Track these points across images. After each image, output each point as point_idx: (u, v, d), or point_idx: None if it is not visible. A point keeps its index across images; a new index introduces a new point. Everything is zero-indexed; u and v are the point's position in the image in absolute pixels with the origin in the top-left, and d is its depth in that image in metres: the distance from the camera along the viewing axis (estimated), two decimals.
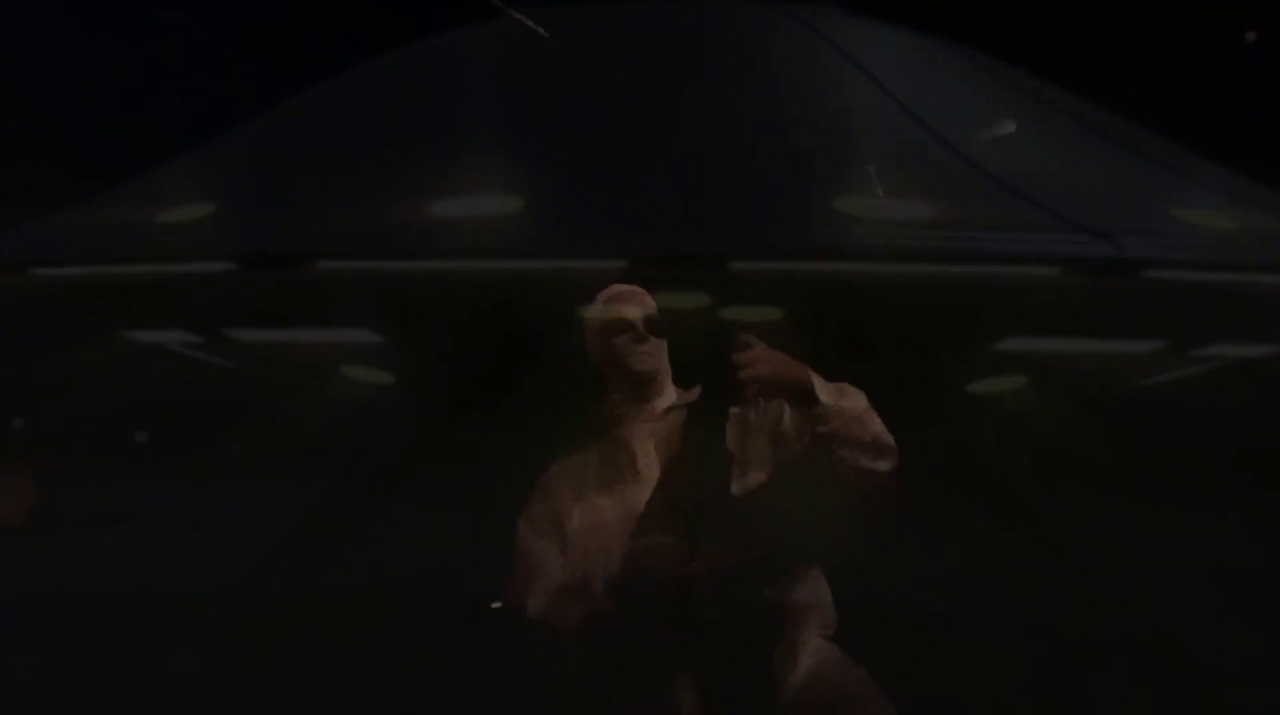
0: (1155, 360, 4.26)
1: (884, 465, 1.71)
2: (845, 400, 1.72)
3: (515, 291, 3.44)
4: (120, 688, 4.39)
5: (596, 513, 1.85)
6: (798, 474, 1.75)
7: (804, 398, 1.70)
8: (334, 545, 5.21)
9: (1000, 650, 4.85)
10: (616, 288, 2.01)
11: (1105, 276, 3.23)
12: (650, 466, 1.86)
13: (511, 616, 1.84)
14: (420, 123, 4.05)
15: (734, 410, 1.81)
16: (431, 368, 4.24)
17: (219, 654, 4.68)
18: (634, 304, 1.96)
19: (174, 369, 5.19)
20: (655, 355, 1.94)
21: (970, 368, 4.07)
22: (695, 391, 1.90)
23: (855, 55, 4.41)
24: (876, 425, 1.72)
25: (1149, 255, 3.23)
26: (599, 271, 3.24)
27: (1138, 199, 3.85)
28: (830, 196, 3.29)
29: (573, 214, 3.35)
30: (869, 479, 1.70)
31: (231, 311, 4.09)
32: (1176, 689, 4.39)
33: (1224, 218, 3.67)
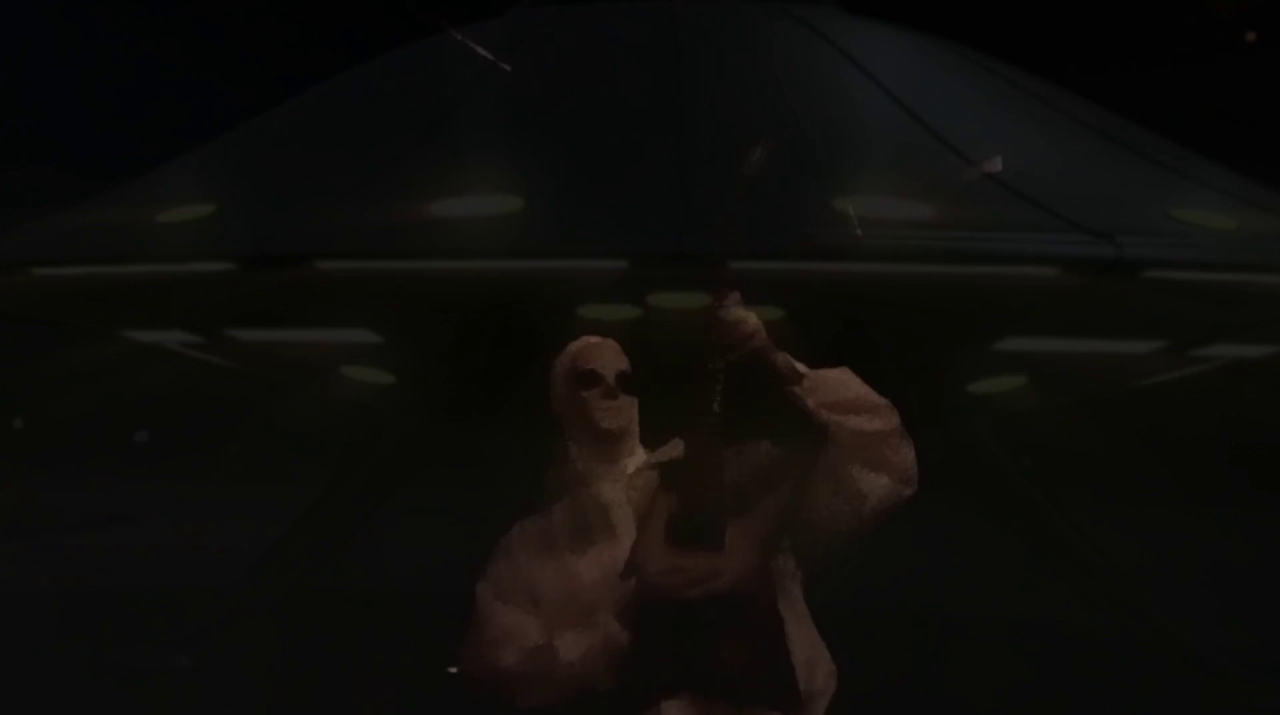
0: (1155, 360, 4.25)
1: (878, 423, 1.67)
2: (828, 371, 1.70)
3: (515, 291, 3.43)
4: (120, 688, 4.39)
5: (570, 575, 1.76)
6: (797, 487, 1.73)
7: (788, 372, 1.68)
8: (334, 545, 5.21)
9: (1000, 649, 4.86)
10: (587, 339, 1.90)
11: (1105, 276, 3.23)
12: (627, 525, 1.76)
13: (475, 686, 1.74)
14: (420, 123, 4.05)
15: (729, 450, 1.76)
16: (431, 368, 4.23)
17: (219, 654, 4.68)
18: (605, 357, 1.85)
19: (174, 369, 5.19)
20: (624, 412, 1.83)
21: (970, 368, 4.07)
22: (675, 447, 1.80)
23: (855, 55, 4.40)
24: (858, 386, 1.69)
25: (1149, 255, 3.23)
26: (599, 271, 3.26)
27: (1138, 199, 3.85)
28: (830, 196, 3.29)
29: (573, 214, 3.35)
30: (866, 441, 1.66)
31: (231, 311, 4.09)
32: (1176, 688, 4.39)
33: (1224, 218, 3.67)
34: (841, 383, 1.69)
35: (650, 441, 1.88)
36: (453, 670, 1.77)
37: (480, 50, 3.79)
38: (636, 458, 1.84)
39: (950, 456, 4.92)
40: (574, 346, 1.89)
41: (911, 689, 1.83)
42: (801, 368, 1.69)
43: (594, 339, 1.90)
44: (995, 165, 3.33)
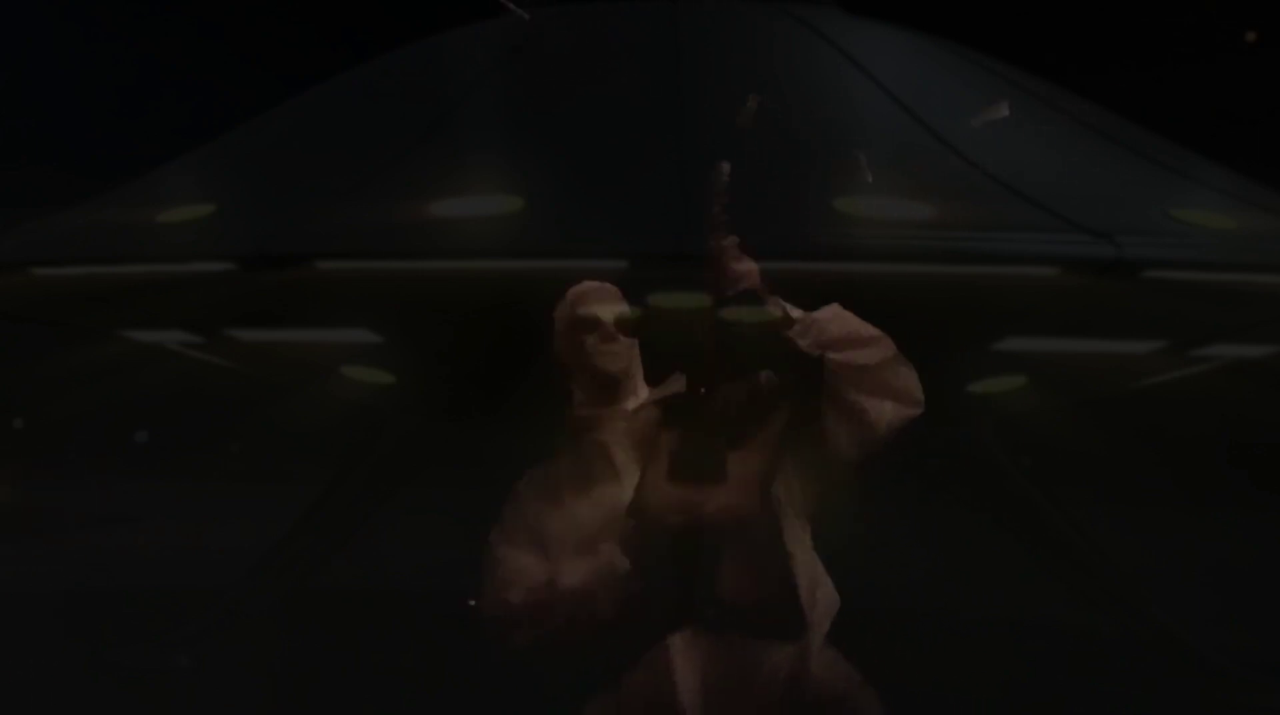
0: (1155, 360, 4.25)
1: (874, 354, 1.70)
2: (818, 312, 1.74)
3: (515, 291, 3.43)
4: (120, 688, 4.39)
5: (575, 518, 1.78)
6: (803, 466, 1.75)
7: (781, 316, 1.71)
8: (334, 545, 5.21)
9: (999, 649, 4.86)
10: (586, 284, 1.95)
11: (1105, 276, 3.23)
12: (629, 465, 1.79)
13: (491, 622, 1.77)
14: (420, 123, 4.05)
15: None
16: (431, 368, 4.23)
17: (219, 654, 4.68)
18: (603, 302, 1.90)
19: (174, 369, 5.19)
20: (624, 355, 1.86)
21: (970, 368, 4.07)
22: (675, 382, 1.83)
23: (855, 55, 4.40)
24: (851, 321, 1.73)
25: (1149, 255, 3.23)
26: (599, 271, 3.25)
27: (1138, 199, 3.85)
28: (830, 196, 3.29)
29: (573, 214, 3.35)
30: (866, 373, 1.69)
31: (231, 311, 4.09)
32: (1176, 689, 4.39)
33: (1224, 218, 3.67)
34: (833, 321, 1.72)
35: (651, 381, 1.91)
36: (471, 603, 1.80)
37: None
38: (638, 397, 1.87)
39: (950, 456, 4.92)
40: (572, 292, 1.93)
41: (909, 689, 1.83)
42: (794, 311, 1.73)
43: (592, 284, 1.94)
44: (1003, 110, 3.32)
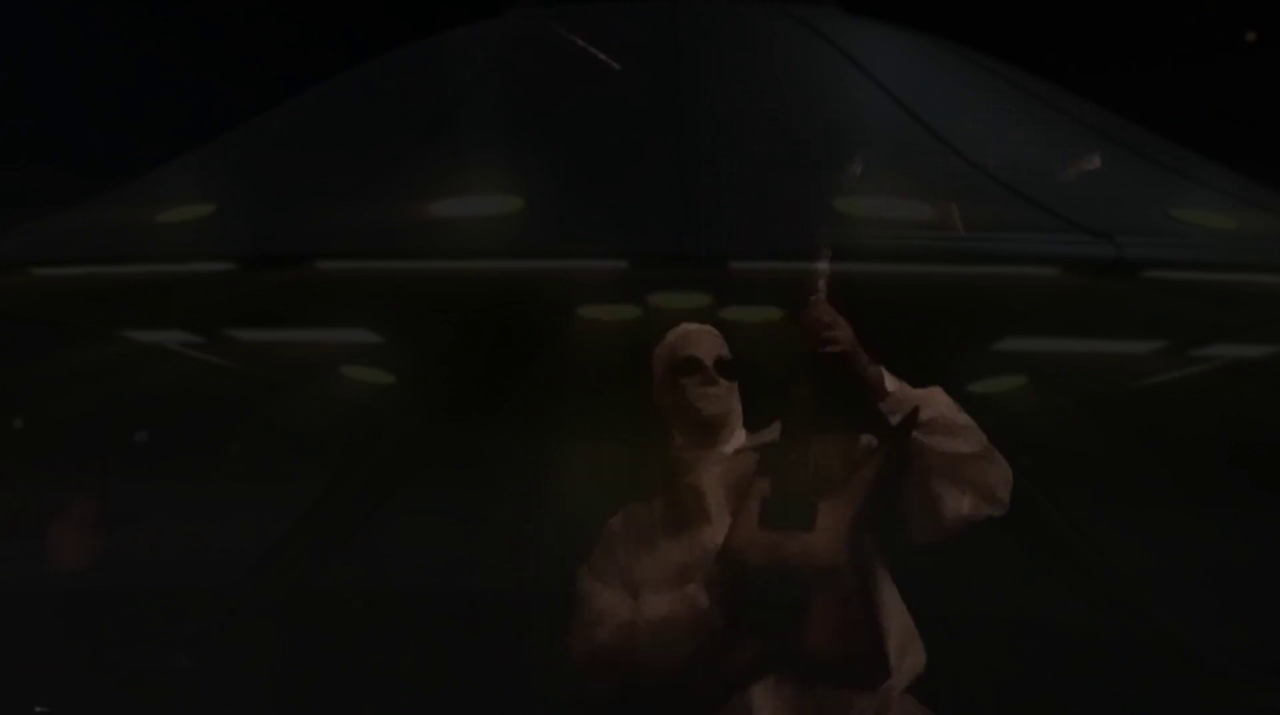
0: (1155, 360, 4.26)
1: (961, 444, 1.67)
2: (916, 389, 1.70)
3: (515, 291, 3.43)
4: (120, 688, 4.39)
5: (665, 561, 1.77)
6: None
7: (875, 386, 1.68)
8: (334, 545, 5.21)
9: (999, 648, 4.85)
10: (686, 326, 1.92)
11: (1105, 276, 3.23)
12: (721, 510, 1.77)
13: (578, 658, 1.76)
14: (420, 123, 4.05)
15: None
16: (431, 368, 4.23)
17: (219, 654, 4.68)
18: (704, 343, 1.87)
19: (174, 369, 5.19)
20: (725, 398, 1.84)
21: (970, 368, 4.07)
22: (773, 431, 1.80)
23: (855, 55, 4.40)
24: (943, 405, 1.68)
25: (1149, 255, 3.23)
26: (599, 271, 3.26)
27: (1138, 199, 3.85)
28: (830, 196, 3.29)
29: (573, 214, 3.35)
30: (950, 461, 1.66)
31: (231, 311, 4.09)
32: (1176, 688, 4.39)
33: (1224, 218, 3.67)
34: (925, 401, 1.68)
35: (751, 426, 1.89)
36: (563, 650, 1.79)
37: None
38: (736, 440, 1.85)
39: None
40: (672, 334, 1.91)
41: (908, 687, 1.83)
42: (890, 383, 1.70)
43: (692, 326, 1.92)
44: (1093, 163, 3.34)
